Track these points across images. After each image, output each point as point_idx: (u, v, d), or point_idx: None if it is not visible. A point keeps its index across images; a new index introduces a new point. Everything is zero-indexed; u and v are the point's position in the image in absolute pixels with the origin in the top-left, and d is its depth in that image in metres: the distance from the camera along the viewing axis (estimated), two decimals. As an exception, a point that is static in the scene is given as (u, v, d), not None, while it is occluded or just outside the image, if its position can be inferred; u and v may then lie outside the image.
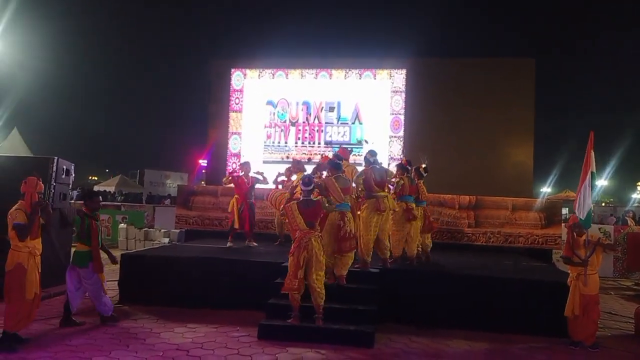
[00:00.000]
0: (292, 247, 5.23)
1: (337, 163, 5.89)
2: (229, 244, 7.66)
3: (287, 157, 10.91)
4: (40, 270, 4.84)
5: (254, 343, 4.95)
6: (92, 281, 5.31)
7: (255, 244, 7.83)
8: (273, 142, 11.48)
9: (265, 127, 11.54)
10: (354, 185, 6.11)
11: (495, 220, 9.11)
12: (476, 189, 9.69)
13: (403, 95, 11.08)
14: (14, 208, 4.70)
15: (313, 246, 5.12)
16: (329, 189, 5.61)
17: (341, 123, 11.28)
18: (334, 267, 5.64)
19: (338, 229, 5.53)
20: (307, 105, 11.40)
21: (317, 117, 11.36)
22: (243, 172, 7.82)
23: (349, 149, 8.22)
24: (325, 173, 6.18)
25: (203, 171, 22.94)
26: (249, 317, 5.64)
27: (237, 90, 11.78)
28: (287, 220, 5.71)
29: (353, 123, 11.21)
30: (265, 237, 8.60)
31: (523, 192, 10.17)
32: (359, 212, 6.08)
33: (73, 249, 5.90)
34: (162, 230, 11.89)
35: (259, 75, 11.73)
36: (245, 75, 11.78)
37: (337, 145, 9.81)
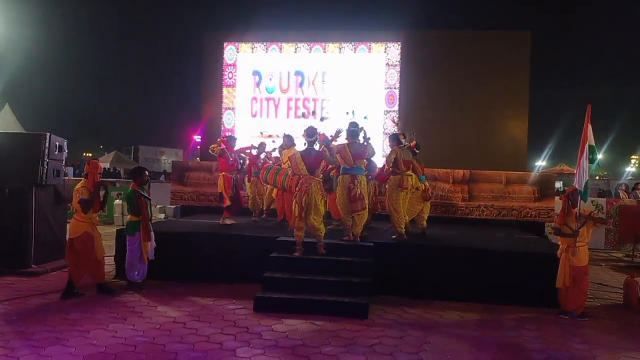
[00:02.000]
0: (295, 191, 5.82)
1: (353, 130, 6.22)
2: (228, 221, 7.45)
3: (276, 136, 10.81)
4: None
5: (250, 315, 5.02)
6: (135, 247, 5.77)
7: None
8: (262, 117, 11.36)
9: (253, 100, 11.42)
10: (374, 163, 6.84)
11: (489, 194, 9.17)
12: (470, 162, 9.72)
13: (398, 68, 10.96)
14: (79, 185, 5.65)
15: (312, 190, 5.70)
16: (340, 153, 6.03)
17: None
18: (352, 226, 6.12)
19: (349, 191, 6.01)
20: (300, 75, 11.25)
21: (314, 87, 11.21)
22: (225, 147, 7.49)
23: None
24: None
25: (197, 147, 22.86)
26: (245, 290, 5.72)
27: (230, 65, 11.63)
28: (290, 171, 6.23)
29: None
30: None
31: (517, 166, 10.21)
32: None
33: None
34: (158, 206, 11.92)
35: (252, 49, 11.56)
36: (238, 49, 11.60)
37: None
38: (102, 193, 5.76)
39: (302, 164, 5.77)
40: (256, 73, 11.44)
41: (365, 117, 6.91)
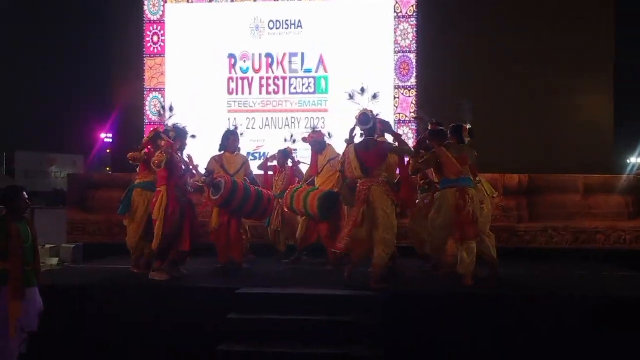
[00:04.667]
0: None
1: (439, 130, 6.86)
2: (157, 276, 7.03)
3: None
4: None
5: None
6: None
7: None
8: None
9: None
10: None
11: (560, 211, 9.20)
12: (529, 163, 9.75)
13: (413, 21, 10.98)
14: None
15: (375, 198, 6.15)
16: (441, 161, 6.53)
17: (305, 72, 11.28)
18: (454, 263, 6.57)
19: (458, 210, 6.39)
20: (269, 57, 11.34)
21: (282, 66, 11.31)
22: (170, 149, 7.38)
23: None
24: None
25: (107, 150, 22.66)
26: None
27: (155, 22, 11.53)
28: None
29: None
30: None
31: (600, 166, 10.28)
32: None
33: None
34: (47, 246, 11.70)
35: (188, -5, 11.49)
36: (165, -2, 11.53)
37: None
38: None
39: (355, 161, 6.29)
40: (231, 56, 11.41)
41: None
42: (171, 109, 7.47)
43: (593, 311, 5.92)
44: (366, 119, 6.50)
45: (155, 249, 7.02)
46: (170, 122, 7.32)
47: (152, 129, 8.53)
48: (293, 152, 8.88)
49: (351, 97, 6.75)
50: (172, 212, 6.91)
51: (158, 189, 7.07)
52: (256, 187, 7.59)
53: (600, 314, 5.89)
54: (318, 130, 8.44)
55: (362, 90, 6.79)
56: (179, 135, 7.18)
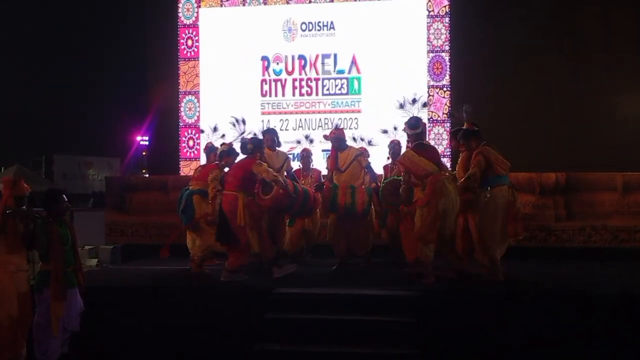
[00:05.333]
0: (424, 196, 6.44)
1: (476, 130, 6.96)
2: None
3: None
4: None
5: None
6: (43, 311, 5.63)
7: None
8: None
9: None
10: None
11: (599, 209, 9.06)
12: (567, 161, 9.63)
13: (447, 20, 10.95)
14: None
15: (449, 190, 6.41)
16: (491, 159, 6.59)
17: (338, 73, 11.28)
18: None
19: (509, 207, 6.58)
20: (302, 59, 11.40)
21: (314, 68, 11.35)
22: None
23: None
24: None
25: (143, 153, 22.90)
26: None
27: (189, 27, 11.66)
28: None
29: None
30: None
31: (638, 164, 10.09)
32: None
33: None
34: (86, 247, 11.87)
35: (221, 0, 11.59)
36: (199, 2, 11.64)
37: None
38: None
39: (423, 159, 6.49)
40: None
41: (453, 115, 7.33)
42: (244, 122, 7.78)
43: (629, 308, 5.87)
44: (416, 124, 6.80)
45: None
46: (246, 135, 7.58)
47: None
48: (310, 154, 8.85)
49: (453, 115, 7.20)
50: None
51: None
52: (303, 186, 7.62)
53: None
54: (340, 127, 8.44)
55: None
56: (257, 147, 7.33)
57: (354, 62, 11.19)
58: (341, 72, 11.24)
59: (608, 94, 10.93)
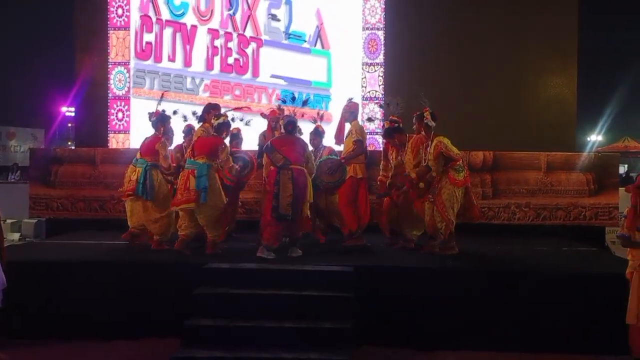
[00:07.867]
0: (463, 177, 7.11)
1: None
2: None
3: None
4: None
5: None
6: None
7: None
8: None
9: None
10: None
11: (522, 187, 9.32)
12: (493, 140, 9.85)
13: (382, -1, 10.98)
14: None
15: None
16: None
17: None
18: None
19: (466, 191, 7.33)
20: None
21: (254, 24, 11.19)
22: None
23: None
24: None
25: (69, 124, 22.25)
26: (157, 349, 5.71)
27: (119, -5, 11.33)
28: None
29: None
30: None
31: (563, 144, 10.45)
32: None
33: None
34: (9, 221, 11.58)
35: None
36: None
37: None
38: None
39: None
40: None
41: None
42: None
43: (547, 284, 6.14)
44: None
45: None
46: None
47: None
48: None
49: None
50: None
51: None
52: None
53: (555, 287, 6.12)
54: (355, 101, 8.14)
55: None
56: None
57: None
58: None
59: (533, 76, 11.18)
